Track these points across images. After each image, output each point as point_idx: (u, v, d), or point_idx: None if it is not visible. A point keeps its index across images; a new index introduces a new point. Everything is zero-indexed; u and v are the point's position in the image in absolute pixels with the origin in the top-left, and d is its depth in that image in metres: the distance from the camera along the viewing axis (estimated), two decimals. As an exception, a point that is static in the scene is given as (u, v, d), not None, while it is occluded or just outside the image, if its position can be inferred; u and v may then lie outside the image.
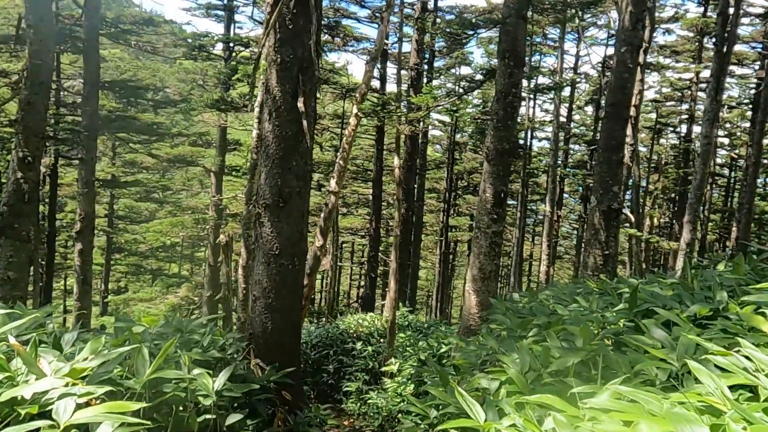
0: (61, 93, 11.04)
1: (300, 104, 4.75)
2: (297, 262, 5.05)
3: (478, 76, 8.93)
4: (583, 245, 8.10)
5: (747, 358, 2.50)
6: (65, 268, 20.83)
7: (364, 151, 23.44)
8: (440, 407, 4.01)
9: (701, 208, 14.87)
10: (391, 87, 29.27)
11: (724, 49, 13.99)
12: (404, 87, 13.66)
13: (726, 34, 13.53)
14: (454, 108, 8.67)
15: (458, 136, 28.82)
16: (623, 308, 4.24)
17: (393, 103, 8.08)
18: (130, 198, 21.87)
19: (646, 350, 3.06)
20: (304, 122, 4.69)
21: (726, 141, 28.80)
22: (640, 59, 9.28)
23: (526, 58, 17.44)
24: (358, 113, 9.35)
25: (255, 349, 4.98)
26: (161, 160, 13.45)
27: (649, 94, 30.68)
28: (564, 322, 4.30)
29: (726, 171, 30.04)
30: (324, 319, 15.91)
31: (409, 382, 8.22)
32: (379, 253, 20.60)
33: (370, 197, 18.74)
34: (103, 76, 11.80)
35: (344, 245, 35.74)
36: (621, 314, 4.12)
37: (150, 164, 18.35)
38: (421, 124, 10.12)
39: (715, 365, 2.58)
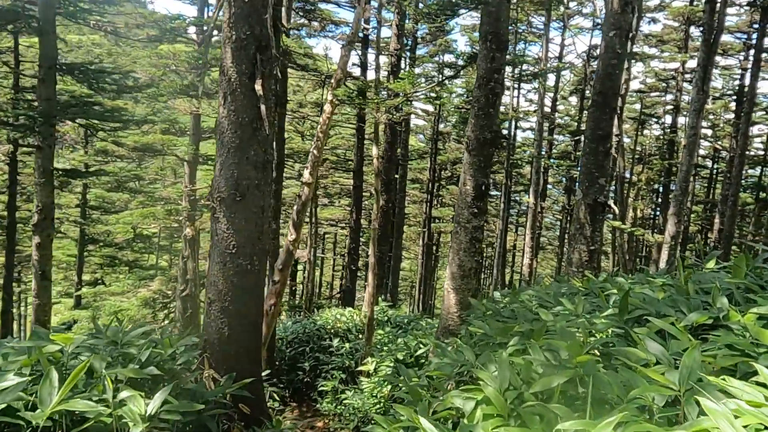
0: (19, 77, 10.33)
1: (258, 87, 4.26)
2: (257, 261, 4.59)
3: (461, 62, 8.46)
4: (567, 239, 7.75)
5: (763, 385, 2.10)
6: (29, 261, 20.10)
7: (345, 141, 22.90)
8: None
9: (685, 199, 14.63)
10: (371, 75, 28.68)
11: (712, 38, 13.67)
12: (384, 74, 13.16)
13: (714, 23, 13.21)
14: (435, 95, 8.22)
15: (442, 126, 28.37)
16: (612, 314, 3.85)
17: (371, 90, 7.59)
18: (101, 188, 21.09)
19: (640, 367, 2.65)
20: (262, 106, 4.20)
21: (709, 132, 28.75)
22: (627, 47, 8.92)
23: (510, 47, 17.01)
24: (334, 100, 8.85)
25: (210, 358, 4.52)
26: (128, 148, 12.71)
27: (634, 85, 30.49)
28: (548, 330, 3.90)
29: (708, 162, 30.01)
30: (302, 314, 15.45)
31: (386, 383, 7.82)
32: (360, 245, 20.15)
33: (351, 188, 18.24)
34: (73, 60, 11.12)
35: (326, 236, 35.23)
36: (610, 321, 3.73)
37: (123, 153, 17.62)
38: (401, 112, 9.58)
39: (720, 390, 2.19)
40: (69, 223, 22.22)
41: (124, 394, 2.86)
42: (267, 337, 9.06)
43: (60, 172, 10.42)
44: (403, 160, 16.95)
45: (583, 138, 7.40)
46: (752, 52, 17.43)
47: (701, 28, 13.00)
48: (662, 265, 14.08)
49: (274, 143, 8.89)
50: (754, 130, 24.39)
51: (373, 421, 7.30)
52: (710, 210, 27.99)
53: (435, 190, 26.48)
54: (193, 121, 15.00)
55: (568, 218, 26.53)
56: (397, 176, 16.28)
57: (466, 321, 6.94)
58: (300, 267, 24.88)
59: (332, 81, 8.93)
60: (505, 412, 2.88)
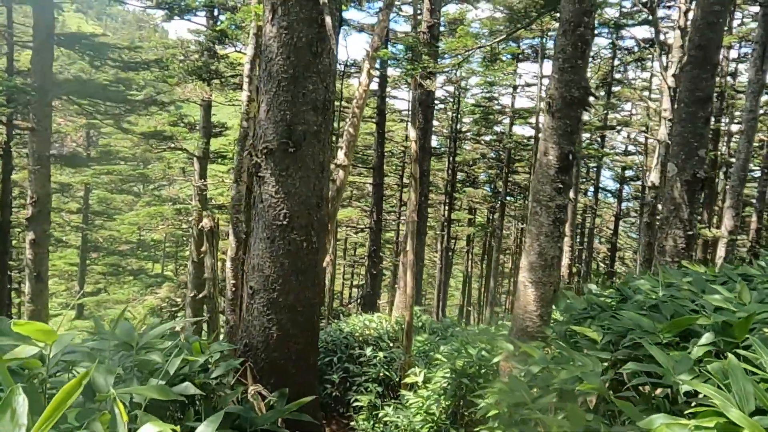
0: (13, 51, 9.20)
1: (319, -6, 3.11)
2: (314, 237, 3.40)
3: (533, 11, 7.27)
4: (657, 225, 6.54)
5: None
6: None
7: (362, 139, 21.81)
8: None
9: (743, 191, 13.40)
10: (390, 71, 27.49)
11: (772, 12, 12.51)
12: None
13: (776, -6, 12.05)
14: (490, 61, 7.07)
15: (457, 125, 27.23)
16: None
17: (420, 48, 6.46)
18: (104, 189, 19.86)
19: None
20: (327, 19, 3.03)
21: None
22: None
23: None
24: (371, 69, 7.70)
25: (253, 367, 3.33)
26: (134, 134, 11.56)
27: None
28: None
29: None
30: (324, 321, 14.22)
31: (443, 397, 6.58)
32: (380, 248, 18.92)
33: (370, 186, 17.06)
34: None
35: (337, 242, 34.03)
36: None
37: (128, 154, 16.42)
38: (435, 80, 8.36)
39: None
40: (71, 229, 21.04)
41: (147, 429, 1.66)
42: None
43: (54, 158, 9.26)
44: (430, 154, 15.80)
45: (677, 102, 6.30)
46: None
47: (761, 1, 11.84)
48: (719, 262, 12.83)
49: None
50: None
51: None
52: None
53: (453, 192, 25.27)
54: (203, 113, 13.89)
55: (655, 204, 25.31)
56: (426, 170, 15.13)
57: (547, 321, 5.70)
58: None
59: (369, 49, 7.79)
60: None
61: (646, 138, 27.32)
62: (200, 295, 7.99)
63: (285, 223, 3.29)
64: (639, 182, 30.16)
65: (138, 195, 19.44)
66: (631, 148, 29.93)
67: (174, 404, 2.42)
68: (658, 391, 2.82)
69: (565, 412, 3.09)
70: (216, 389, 2.95)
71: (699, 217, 6.04)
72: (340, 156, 7.67)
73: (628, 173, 30.51)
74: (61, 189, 17.69)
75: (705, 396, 2.16)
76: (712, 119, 6.30)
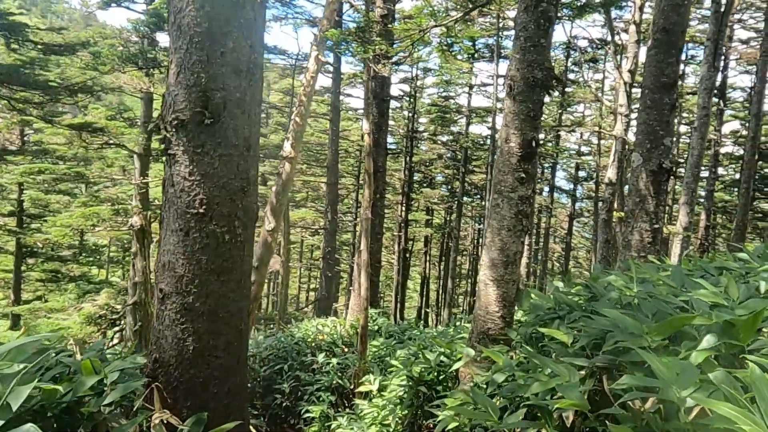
0: None
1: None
2: (240, 228, 2.82)
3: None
4: (623, 219, 6.23)
5: None
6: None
7: (316, 137, 21.12)
8: None
9: (697, 187, 13.46)
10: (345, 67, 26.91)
11: (722, 8, 12.61)
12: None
13: (726, -8, 12.13)
14: (447, 45, 6.62)
15: (413, 125, 26.89)
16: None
17: (374, 26, 5.94)
18: (37, 189, 18.50)
19: None
20: (249, -41, 2.47)
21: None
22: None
23: None
24: (320, 56, 7.13)
25: (164, 388, 2.72)
26: (59, 126, 10.46)
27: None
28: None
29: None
30: (274, 326, 13.51)
31: (399, 407, 6.07)
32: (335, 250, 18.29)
33: (325, 186, 16.45)
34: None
35: (292, 245, 33.11)
36: None
37: (60, 147, 15.21)
38: (390, 65, 7.89)
39: None
40: (3, 232, 19.54)
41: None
42: (240, 353, 7.20)
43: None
44: (385, 150, 15.24)
45: (641, 88, 6.00)
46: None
47: (713, -1, 11.87)
48: (675, 259, 12.81)
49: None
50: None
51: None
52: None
53: (409, 192, 24.88)
54: (143, 107, 12.99)
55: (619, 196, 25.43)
56: (381, 167, 14.58)
57: (510, 323, 5.27)
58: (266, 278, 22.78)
59: (317, 33, 7.22)
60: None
61: (599, 139, 27.67)
62: (130, 302, 7.23)
63: (202, 211, 2.70)
64: (592, 182, 30.57)
65: (70, 195, 18.21)
66: (584, 149, 30.29)
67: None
68: (648, 404, 2.37)
69: (537, 433, 2.60)
70: (108, 419, 2.35)
71: (663, 210, 5.75)
72: (287, 147, 7.07)
73: (581, 173, 30.90)
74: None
75: (713, 413, 1.71)
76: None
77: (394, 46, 6.37)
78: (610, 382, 2.76)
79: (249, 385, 9.89)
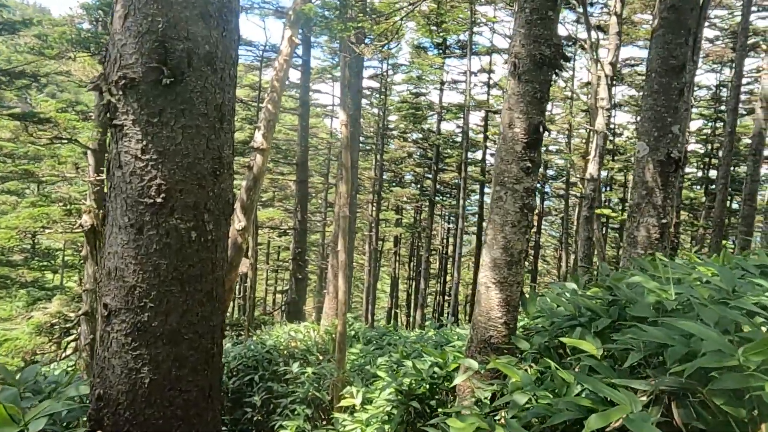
0: None
1: None
2: (209, 224, 2.17)
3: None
4: (627, 213, 5.77)
5: None
6: None
7: (284, 134, 20.30)
8: None
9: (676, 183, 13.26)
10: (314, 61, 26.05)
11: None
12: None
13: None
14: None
15: (384, 122, 26.31)
16: None
17: (355, 2, 5.36)
18: (-21, 188, 17.19)
19: None
20: None
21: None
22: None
23: None
24: (293, 37, 6.47)
25: (109, 429, 2.05)
26: (1, 116, 9.45)
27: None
28: None
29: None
30: (243, 334, 12.72)
31: (389, 426, 5.46)
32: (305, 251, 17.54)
33: (294, 184, 15.71)
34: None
35: (259, 246, 32.11)
36: None
37: (5, 144, 14.03)
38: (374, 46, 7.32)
39: None
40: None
41: None
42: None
43: None
44: (358, 145, 14.61)
45: (646, 71, 5.58)
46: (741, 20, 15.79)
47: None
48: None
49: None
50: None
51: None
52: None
53: (380, 191, 24.28)
54: (97, 99, 11.98)
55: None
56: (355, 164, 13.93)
57: (514, 331, 4.71)
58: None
59: (289, 12, 6.55)
60: None
61: (569, 138, 27.66)
62: (80, 312, 6.42)
63: (160, 201, 2.04)
64: (560, 181, 30.62)
65: (26, 196, 16.97)
66: (552, 147, 30.26)
67: None
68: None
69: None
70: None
71: (672, 204, 5.32)
72: (258, 138, 6.38)
73: (550, 172, 30.90)
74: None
75: None
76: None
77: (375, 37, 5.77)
78: (681, 412, 2.21)
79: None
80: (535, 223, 31.31)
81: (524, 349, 4.02)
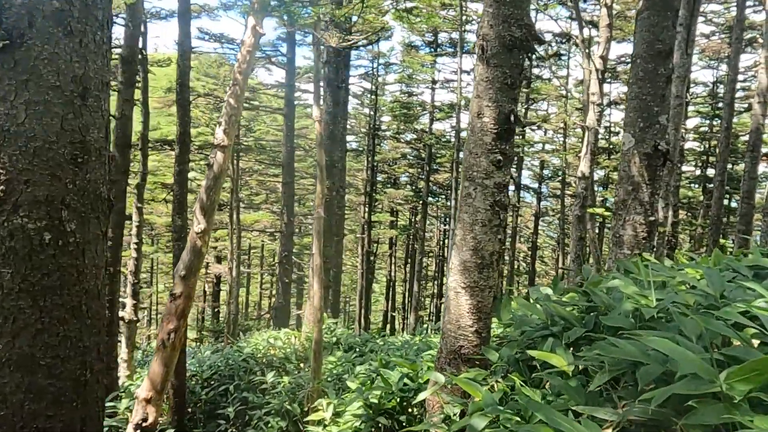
0: None
1: None
2: (70, 223, 1.77)
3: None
4: (612, 210, 5.36)
5: None
6: None
7: (271, 135, 19.89)
8: None
9: (672, 180, 12.86)
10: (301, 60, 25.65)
11: (695, -6, 12.01)
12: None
13: (700, -27, 11.53)
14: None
15: (375, 122, 25.90)
16: None
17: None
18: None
19: None
20: None
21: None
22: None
23: None
24: (257, 26, 6.07)
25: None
26: None
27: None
28: None
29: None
30: (224, 341, 12.29)
31: (357, 442, 5.04)
32: (293, 255, 17.13)
33: (281, 185, 15.30)
34: None
35: (253, 250, 31.70)
36: None
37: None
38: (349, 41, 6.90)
39: None
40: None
41: None
42: (166, 378, 6.07)
43: None
44: (342, 144, 14.22)
45: (631, 57, 5.18)
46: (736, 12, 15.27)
47: (686, -20, 11.27)
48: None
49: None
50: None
51: None
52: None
53: (373, 192, 23.87)
54: None
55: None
56: (338, 163, 13.53)
57: (486, 340, 4.29)
58: (224, 287, 21.40)
59: (254, 0, 6.15)
60: None
61: (565, 136, 27.28)
62: None
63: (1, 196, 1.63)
64: (557, 180, 30.19)
65: None
66: (548, 146, 29.86)
67: None
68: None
69: None
70: None
71: (658, 200, 4.91)
72: (219, 134, 5.97)
73: (546, 172, 30.48)
74: None
75: None
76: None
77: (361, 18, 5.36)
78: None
79: (189, 410, 8.69)
80: (531, 225, 30.88)
81: (492, 360, 3.60)
